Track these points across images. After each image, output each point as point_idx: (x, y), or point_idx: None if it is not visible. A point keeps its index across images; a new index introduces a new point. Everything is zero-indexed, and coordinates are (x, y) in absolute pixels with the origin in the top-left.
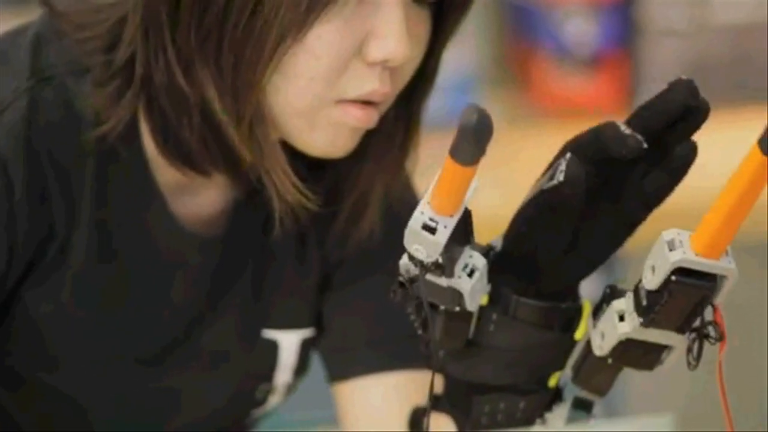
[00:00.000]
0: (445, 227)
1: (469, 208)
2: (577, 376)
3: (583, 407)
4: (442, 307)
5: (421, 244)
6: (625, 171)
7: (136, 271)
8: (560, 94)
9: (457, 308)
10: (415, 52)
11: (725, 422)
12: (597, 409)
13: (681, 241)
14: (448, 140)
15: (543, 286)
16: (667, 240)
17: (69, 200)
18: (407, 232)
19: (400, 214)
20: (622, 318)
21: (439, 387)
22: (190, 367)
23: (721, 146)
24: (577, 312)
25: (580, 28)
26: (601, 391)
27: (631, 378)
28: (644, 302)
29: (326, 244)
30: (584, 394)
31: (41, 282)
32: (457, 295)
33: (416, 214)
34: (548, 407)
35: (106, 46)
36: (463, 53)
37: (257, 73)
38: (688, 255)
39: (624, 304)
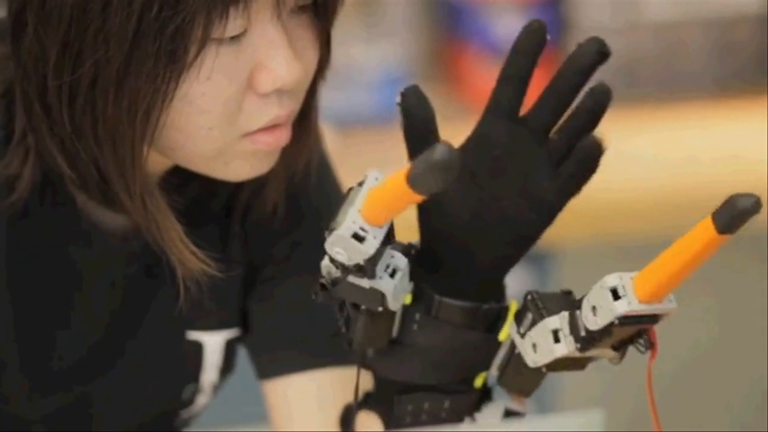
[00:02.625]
0: (375, 238)
1: None
2: (502, 378)
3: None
4: (363, 307)
5: (346, 251)
6: (532, 144)
7: (55, 282)
8: (490, 91)
9: (380, 309)
10: (308, 64)
11: (653, 424)
12: (529, 404)
13: (624, 288)
14: (378, 135)
15: (463, 283)
16: (611, 287)
17: None
18: (334, 237)
19: (320, 210)
20: (557, 337)
21: (370, 385)
22: (115, 372)
23: (648, 141)
24: (502, 313)
25: (509, 25)
26: (527, 392)
27: (562, 374)
28: (582, 333)
29: (249, 243)
30: (514, 405)
31: None
32: (379, 296)
33: (348, 222)
34: (477, 407)
35: (3, 107)
36: (394, 50)
37: (135, 150)
38: (632, 305)
39: (558, 323)
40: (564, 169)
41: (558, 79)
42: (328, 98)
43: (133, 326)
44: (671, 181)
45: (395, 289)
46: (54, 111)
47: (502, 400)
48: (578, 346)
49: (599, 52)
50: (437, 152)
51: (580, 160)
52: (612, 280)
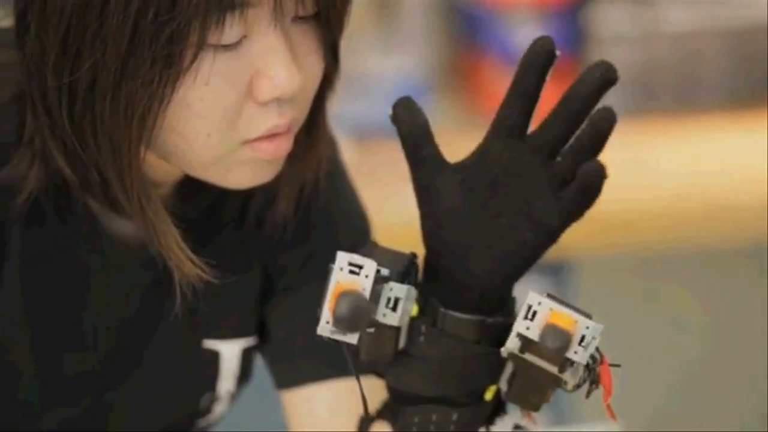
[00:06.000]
0: None
1: (414, 220)
2: (509, 392)
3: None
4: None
5: (336, 338)
6: (534, 165)
7: (70, 289)
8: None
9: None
10: (310, 73)
11: None
12: (548, 416)
13: (536, 314)
14: (395, 146)
15: (467, 297)
16: (528, 304)
17: None
18: (318, 333)
19: (332, 216)
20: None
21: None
22: (131, 380)
23: (666, 151)
24: (509, 327)
25: (528, 35)
26: (535, 406)
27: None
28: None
29: (264, 253)
30: (524, 421)
31: None
32: (385, 327)
33: (322, 323)
34: (491, 420)
35: (15, 111)
36: (412, 60)
37: (132, 153)
38: (531, 333)
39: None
40: (566, 193)
41: (565, 101)
42: (345, 109)
43: (149, 334)
44: (688, 192)
45: (401, 318)
46: (54, 112)
47: (515, 414)
48: (519, 344)
49: (604, 78)
50: (339, 310)
51: (581, 187)
52: (532, 298)
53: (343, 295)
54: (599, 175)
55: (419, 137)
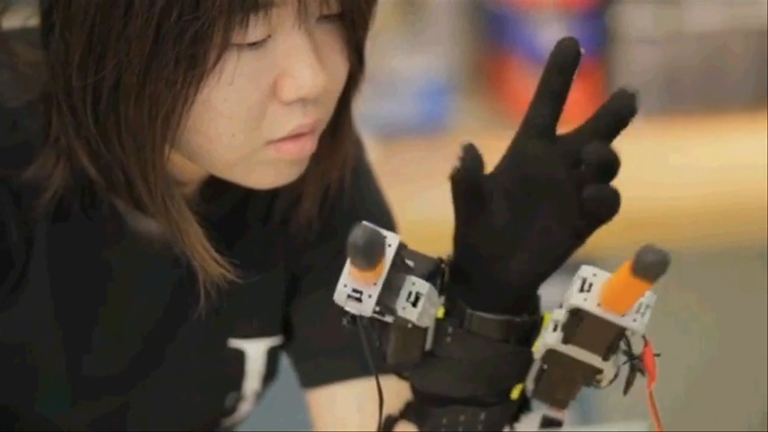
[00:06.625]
0: (370, 296)
1: (439, 219)
2: (537, 390)
3: (551, 425)
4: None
5: (351, 308)
6: (566, 166)
7: (97, 287)
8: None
9: (410, 325)
10: (335, 73)
11: None
12: (573, 416)
13: (591, 285)
14: (421, 145)
15: (495, 297)
16: (582, 276)
17: (25, 224)
18: (335, 297)
19: (357, 215)
20: (556, 328)
21: (410, 395)
22: (156, 378)
23: (691, 151)
24: (535, 325)
25: (553, 35)
26: (563, 404)
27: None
28: (564, 320)
29: (289, 253)
30: (552, 412)
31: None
32: (405, 322)
33: (339, 287)
34: (515, 418)
35: (42, 110)
36: (437, 60)
37: (156, 153)
38: (589, 304)
39: (560, 315)
40: (588, 193)
41: (599, 116)
42: (371, 108)
43: (174, 333)
44: (712, 191)
45: (420, 315)
46: (79, 112)
47: (539, 411)
48: (561, 335)
49: (629, 106)
50: (353, 237)
51: (592, 210)
52: (585, 271)
53: (359, 225)
54: (611, 205)
55: (473, 185)
